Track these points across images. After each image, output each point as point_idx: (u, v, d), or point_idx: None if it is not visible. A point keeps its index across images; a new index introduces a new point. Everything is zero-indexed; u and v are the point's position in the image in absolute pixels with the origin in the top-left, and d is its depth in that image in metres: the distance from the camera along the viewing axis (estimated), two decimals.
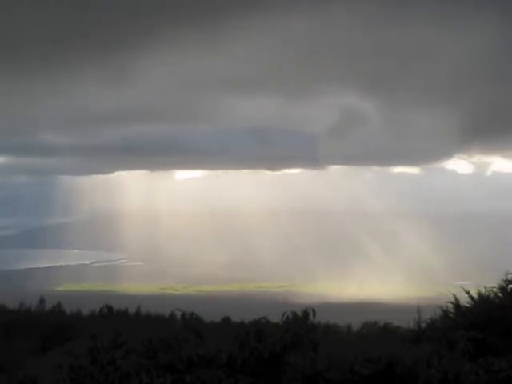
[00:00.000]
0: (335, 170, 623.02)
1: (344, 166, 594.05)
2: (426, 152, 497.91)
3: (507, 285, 14.21)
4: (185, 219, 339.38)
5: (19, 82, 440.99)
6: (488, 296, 14.23)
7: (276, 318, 11.50)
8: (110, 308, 12.18)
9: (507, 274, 14.33)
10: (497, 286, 14.29)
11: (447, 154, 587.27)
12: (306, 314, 11.53)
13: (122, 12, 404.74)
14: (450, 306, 14.46)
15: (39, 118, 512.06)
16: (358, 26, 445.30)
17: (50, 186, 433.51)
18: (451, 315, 14.35)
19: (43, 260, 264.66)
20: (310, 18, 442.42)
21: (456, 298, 14.50)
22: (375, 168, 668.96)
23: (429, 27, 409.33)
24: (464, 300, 14.42)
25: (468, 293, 14.44)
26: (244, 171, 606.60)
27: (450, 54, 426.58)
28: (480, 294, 14.31)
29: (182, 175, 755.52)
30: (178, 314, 11.91)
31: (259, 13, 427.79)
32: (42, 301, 72.93)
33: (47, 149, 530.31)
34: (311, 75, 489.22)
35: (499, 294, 14.17)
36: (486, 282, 14.67)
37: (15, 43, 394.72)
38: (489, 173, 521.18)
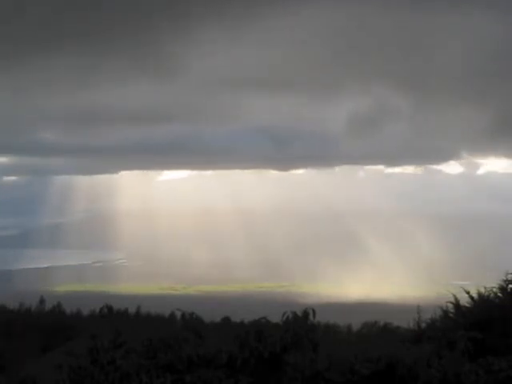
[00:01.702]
0: (342, 170, 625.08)
1: (352, 166, 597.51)
2: (433, 152, 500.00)
3: (507, 285, 14.20)
4: (186, 219, 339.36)
5: (20, 82, 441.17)
6: (488, 296, 14.22)
7: (276, 318, 11.51)
8: (109, 308, 12.18)
9: (507, 273, 14.33)
10: (497, 286, 14.28)
11: (455, 154, 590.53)
12: (306, 313, 11.54)
13: (123, 11, 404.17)
14: (450, 305, 14.45)
15: (40, 118, 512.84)
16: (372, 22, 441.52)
17: (50, 186, 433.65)
18: (451, 315, 14.34)
19: (43, 260, 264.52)
20: (326, 17, 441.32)
21: (456, 298, 14.49)
22: (382, 168, 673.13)
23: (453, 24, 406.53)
24: (464, 300, 14.41)
25: (468, 293, 14.42)
26: (251, 171, 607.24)
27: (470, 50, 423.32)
28: (480, 294, 14.30)
29: (185, 175, 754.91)
30: (178, 314, 11.91)
31: (274, 11, 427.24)
32: (41, 301, 72.95)
33: (48, 148, 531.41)
34: (327, 75, 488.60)
35: (499, 294, 14.16)
36: (486, 281, 14.67)
37: (15, 41, 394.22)
38: (496, 174, 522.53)
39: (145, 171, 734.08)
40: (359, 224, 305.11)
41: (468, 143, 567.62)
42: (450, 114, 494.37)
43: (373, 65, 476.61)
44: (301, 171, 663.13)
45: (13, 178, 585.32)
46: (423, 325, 15.00)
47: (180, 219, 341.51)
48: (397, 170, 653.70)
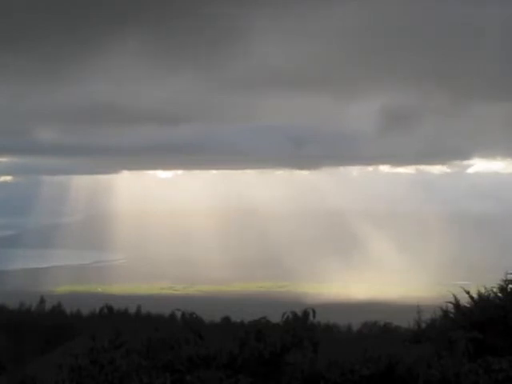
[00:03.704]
0: (351, 170, 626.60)
1: (355, 167, 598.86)
2: (442, 152, 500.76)
3: (507, 285, 14.20)
4: (187, 219, 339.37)
5: (19, 81, 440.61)
6: (488, 296, 14.22)
7: (276, 318, 11.51)
8: (110, 308, 12.17)
9: (507, 273, 14.32)
10: (497, 286, 14.28)
11: (465, 154, 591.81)
12: (306, 313, 11.53)
13: (123, 9, 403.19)
14: (450, 306, 14.45)
15: (41, 118, 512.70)
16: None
17: (50, 186, 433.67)
18: (451, 315, 14.33)
19: (43, 260, 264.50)
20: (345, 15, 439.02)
21: (456, 298, 14.48)
22: (386, 168, 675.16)
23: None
24: (464, 300, 14.41)
25: (468, 293, 14.42)
26: (256, 171, 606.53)
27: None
28: (480, 294, 14.29)
29: (186, 175, 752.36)
30: (178, 314, 11.89)
31: (294, 12, 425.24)
32: (42, 301, 73.00)
33: (47, 148, 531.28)
34: (346, 75, 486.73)
35: (499, 294, 14.15)
36: (486, 281, 14.67)
37: (14, 38, 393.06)
38: (502, 174, 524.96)
39: (145, 171, 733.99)
40: (360, 224, 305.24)
41: (480, 144, 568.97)
42: (468, 113, 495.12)
43: (391, 64, 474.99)
44: (307, 172, 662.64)
45: (12, 178, 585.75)
46: (423, 325, 15.01)
47: (181, 219, 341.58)
48: (403, 170, 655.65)
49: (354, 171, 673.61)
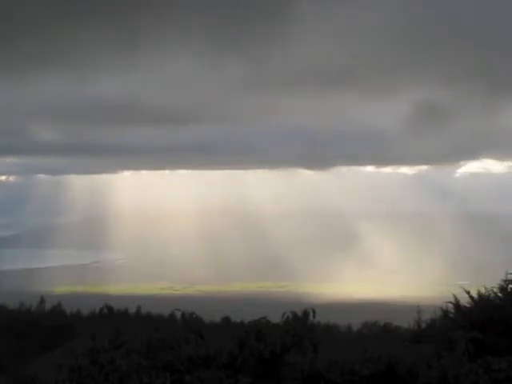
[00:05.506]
0: (344, 170, 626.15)
1: (354, 167, 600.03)
2: (454, 152, 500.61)
3: (507, 285, 14.20)
4: (187, 219, 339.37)
5: (19, 81, 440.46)
6: (488, 296, 14.22)
7: (276, 318, 11.50)
8: (110, 308, 12.16)
9: (507, 273, 14.33)
10: (497, 286, 14.28)
11: (472, 154, 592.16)
12: (306, 313, 11.53)
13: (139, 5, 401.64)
14: (450, 306, 14.46)
15: (40, 118, 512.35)
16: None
17: (50, 186, 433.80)
18: (451, 315, 14.34)
19: (43, 260, 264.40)
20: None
21: (456, 298, 14.49)
22: (386, 168, 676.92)
23: None
24: (464, 300, 14.42)
25: (468, 293, 14.42)
26: (260, 171, 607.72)
27: None
28: (480, 294, 14.30)
29: (186, 175, 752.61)
30: (178, 314, 11.88)
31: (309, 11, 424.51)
32: (42, 301, 73.04)
33: (47, 148, 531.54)
34: (361, 75, 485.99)
35: (499, 294, 14.16)
36: (486, 281, 14.68)
37: (14, 37, 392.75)
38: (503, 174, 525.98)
39: (145, 171, 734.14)
40: (361, 224, 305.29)
41: (488, 144, 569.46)
42: (477, 114, 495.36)
43: (404, 65, 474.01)
44: (312, 171, 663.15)
45: (12, 177, 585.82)
46: (423, 325, 15.02)
47: (181, 219, 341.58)
48: (407, 170, 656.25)
49: (359, 171, 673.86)
